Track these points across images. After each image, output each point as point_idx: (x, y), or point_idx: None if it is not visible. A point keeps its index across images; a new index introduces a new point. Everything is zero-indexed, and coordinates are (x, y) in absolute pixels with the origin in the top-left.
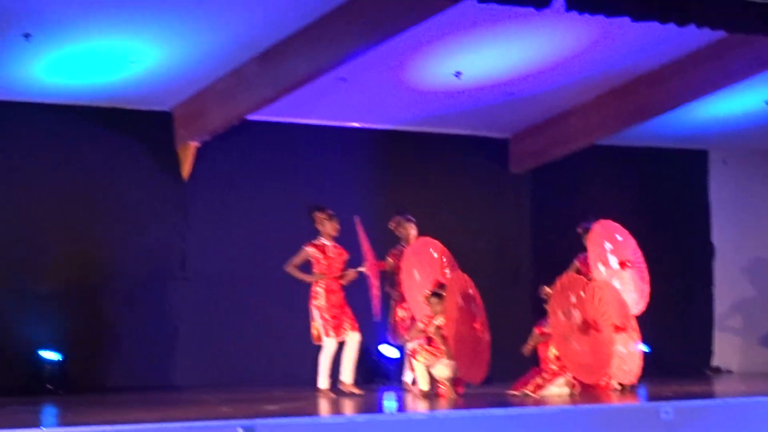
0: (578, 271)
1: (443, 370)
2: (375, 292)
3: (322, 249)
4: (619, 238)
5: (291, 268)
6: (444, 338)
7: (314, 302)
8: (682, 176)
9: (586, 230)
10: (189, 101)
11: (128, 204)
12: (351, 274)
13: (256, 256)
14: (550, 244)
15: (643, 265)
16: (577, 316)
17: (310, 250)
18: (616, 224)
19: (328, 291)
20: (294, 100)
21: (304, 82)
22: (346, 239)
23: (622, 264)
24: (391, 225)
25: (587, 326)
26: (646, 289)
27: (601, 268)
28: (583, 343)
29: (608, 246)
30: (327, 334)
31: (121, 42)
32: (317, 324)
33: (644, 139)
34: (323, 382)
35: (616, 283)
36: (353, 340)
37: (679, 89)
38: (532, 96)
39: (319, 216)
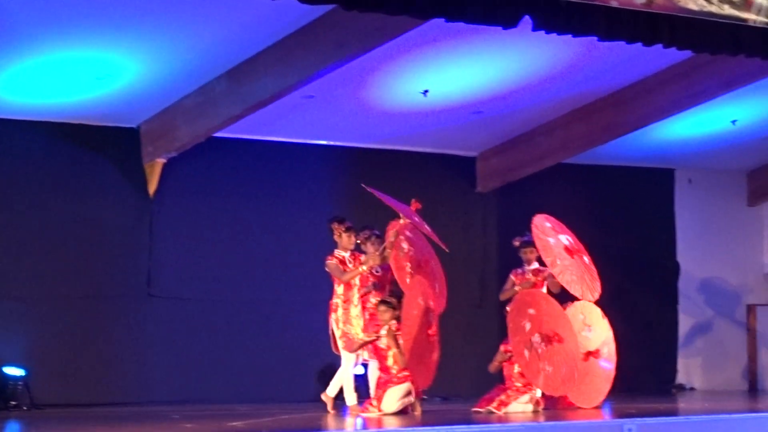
0: (513, 285)
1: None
2: (426, 229)
3: (341, 261)
4: (555, 229)
5: (345, 276)
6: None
7: (332, 315)
8: (648, 195)
9: (524, 243)
10: (156, 118)
11: (94, 220)
12: (391, 236)
13: (222, 273)
14: (517, 262)
15: (584, 252)
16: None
17: (330, 263)
18: (548, 216)
19: (346, 302)
20: (261, 117)
21: (272, 99)
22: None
23: (570, 252)
24: (360, 239)
25: (549, 339)
26: (595, 272)
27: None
28: (547, 356)
29: (555, 239)
30: (346, 348)
31: (88, 56)
32: (338, 336)
33: (611, 157)
34: (351, 398)
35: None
36: (348, 357)
37: (646, 109)
38: (499, 115)
39: (337, 228)
